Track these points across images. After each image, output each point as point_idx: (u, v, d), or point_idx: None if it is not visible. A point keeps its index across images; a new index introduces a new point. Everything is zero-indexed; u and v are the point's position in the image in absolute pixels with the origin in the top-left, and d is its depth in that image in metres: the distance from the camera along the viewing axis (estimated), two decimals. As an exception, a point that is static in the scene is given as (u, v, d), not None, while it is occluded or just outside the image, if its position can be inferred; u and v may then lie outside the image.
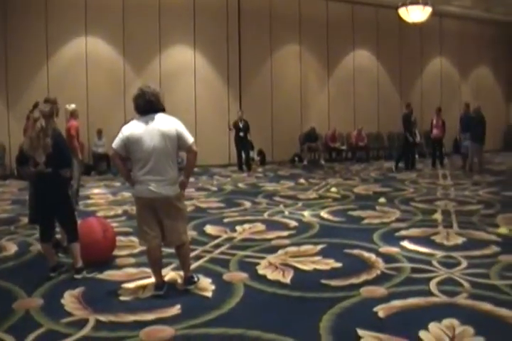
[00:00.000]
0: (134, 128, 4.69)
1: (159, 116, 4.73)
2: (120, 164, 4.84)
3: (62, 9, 14.07)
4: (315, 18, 17.72)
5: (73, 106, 8.57)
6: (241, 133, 14.68)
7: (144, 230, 4.81)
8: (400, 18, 15.49)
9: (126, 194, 10.69)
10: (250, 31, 16.54)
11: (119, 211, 8.83)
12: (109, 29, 14.71)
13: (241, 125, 14.69)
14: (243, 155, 14.95)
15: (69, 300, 4.69)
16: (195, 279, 5.00)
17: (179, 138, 4.71)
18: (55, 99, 7.08)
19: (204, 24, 15.89)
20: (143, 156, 4.64)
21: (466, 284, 4.97)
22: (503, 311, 4.28)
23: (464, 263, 5.63)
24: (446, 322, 4.08)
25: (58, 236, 6.19)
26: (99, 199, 10.21)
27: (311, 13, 17.63)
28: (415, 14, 15.04)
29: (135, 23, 14.90)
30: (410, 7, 14.98)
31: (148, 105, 4.71)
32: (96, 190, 11.36)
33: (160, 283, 4.87)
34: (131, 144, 4.66)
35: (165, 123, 4.70)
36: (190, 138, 4.76)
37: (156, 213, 4.76)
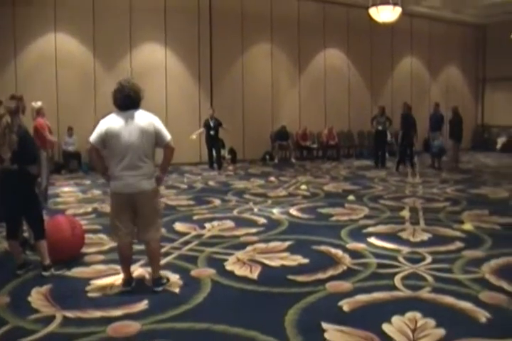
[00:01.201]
0: (113, 122, 4.69)
1: (138, 113, 4.74)
2: (97, 158, 4.83)
3: (31, 5, 13.90)
4: (286, 17, 17.78)
5: (39, 103, 8.47)
6: (211, 132, 14.65)
7: (116, 226, 4.81)
8: (371, 18, 15.62)
9: (96, 192, 10.66)
10: (221, 29, 16.54)
11: (89, 209, 8.79)
12: (78, 26, 14.55)
13: (212, 123, 14.66)
14: (214, 154, 14.95)
15: (36, 297, 4.68)
16: (164, 281, 4.97)
17: (157, 135, 4.74)
18: (21, 96, 7.02)
19: (175, 22, 15.84)
20: (120, 151, 4.64)
21: (429, 279, 5.09)
22: (464, 304, 4.40)
23: (429, 259, 5.74)
24: (409, 315, 4.18)
25: (26, 234, 6.15)
26: (69, 197, 10.14)
27: (283, 12, 17.68)
28: (385, 14, 15.16)
29: (105, 20, 14.76)
30: (380, 7, 15.09)
31: (127, 100, 4.71)
32: (66, 188, 11.27)
33: (128, 279, 4.89)
34: (108, 138, 4.66)
35: (144, 120, 4.71)
36: (167, 135, 4.80)
37: (131, 209, 4.76)
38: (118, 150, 4.65)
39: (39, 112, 8.42)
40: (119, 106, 4.75)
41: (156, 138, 4.74)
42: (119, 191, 4.74)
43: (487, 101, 23.00)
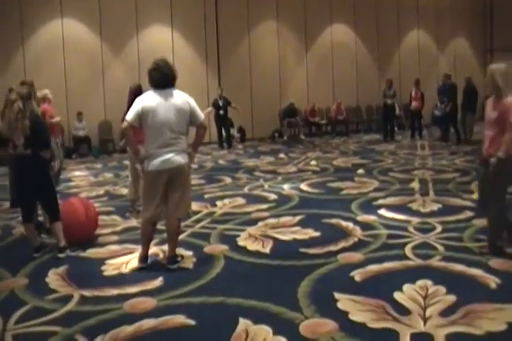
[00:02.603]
0: (149, 100, 4.78)
1: (175, 92, 4.86)
2: (132, 137, 4.87)
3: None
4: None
5: (44, 91, 8.43)
6: (221, 111, 14.67)
7: (149, 204, 4.89)
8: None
9: (108, 175, 10.75)
10: (227, 8, 16.43)
11: (101, 191, 8.87)
12: (85, 11, 14.51)
13: (220, 103, 14.67)
14: (223, 133, 14.99)
15: (53, 278, 4.78)
16: (179, 259, 5.04)
17: (192, 114, 4.85)
18: (32, 82, 7.09)
19: (181, 3, 15.74)
20: (156, 128, 4.73)
21: (440, 247, 5.15)
22: (474, 271, 4.47)
23: (439, 228, 5.80)
24: (420, 283, 4.25)
25: (40, 218, 6.26)
26: (81, 181, 10.23)
27: (288, -12, 17.56)
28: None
29: (111, 4, 14.70)
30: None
31: (164, 78, 4.83)
32: (77, 173, 11.37)
33: (145, 256, 4.99)
34: (145, 115, 4.73)
35: (180, 99, 4.83)
36: (201, 115, 4.96)
37: (165, 186, 4.81)
38: (155, 127, 4.74)
39: (45, 99, 8.40)
40: (156, 84, 4.84)
41: (191, 117, 4.85)
42: (156, 168, 4.79)
43: (496, 71, 22.75)
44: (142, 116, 4.74)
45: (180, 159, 4.79)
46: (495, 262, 4.65)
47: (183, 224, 6.29)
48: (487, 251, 4.93)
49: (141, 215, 5.20)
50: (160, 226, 5.34)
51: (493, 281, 4.21)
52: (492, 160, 4.79)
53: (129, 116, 4.78)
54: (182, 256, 5.13)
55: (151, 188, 4.88)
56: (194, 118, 4.87)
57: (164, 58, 4.97)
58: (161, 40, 15.68)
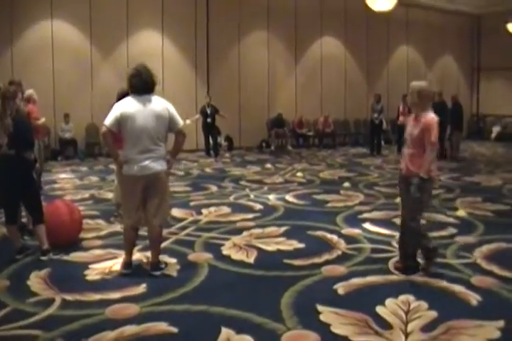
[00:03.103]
0: (128, 106, 4.78)
1: (154, 98, 4.86)
2: (111, 142, 4.87)
3: (27, -8, 13.86)
4: (283, 5, 17.72)
5: (30, 91, 8.33)
6: (208, 119, 14.68)
7: (128, 209, 4.91)
8: (367, 7, 15.61)
9: (93, 178, 10.70)
10: (218, 17, 16.49)
11: (86, 195, 8.83)
12: (75, 13, 14.47)
13: (208, 111, 14.68)
14: (211, 141, 14.99)
15: (35, 281, 4.75)
16: (163, 266, 5.04)
17: (171, 120, 4.86)
18: (20, 82, 7.05)
19: (172, 9, 15.79)
20: (135, 134, 4.73)
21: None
22: (457, 287, 4.50)
23: (423, 244, 5.82)
24: (402, 298, 4.28)
25: (24, 220, 6.21)
26: (66, 183, 10.18)
27: (280, 0, 17.66)
28: (381, 3, 15.13)
29: (102, 7, 14.69)
30: (377, -4, 15.10)
31: (143, 85, 4.81)
32: (62, 175, 11.31)
33: (129, 262, 4.97)
34: (124, 121, 4.74)
35: (159, 105, 4.83)
36: (180, 121, 4.95)
37: (143, 192, 4.82)
38: (132, 133, 4.74)
39: (29, 100, 8.29)
40: (136, 90, 4.83)
41: (170, 123, 4.86)
42: (133, 173, 4.79)
43: (482, 90, 23.04)
44: (121, 121, 4.74)
45: (157, 166, 4.79)
46: (477, 279, 4.69)
47: (167, 230, 6.33)
48: (401, 266, 4.95)
49: (123, 221, 5.18)
50: (144, 232, 5.32)
51: (474, 298, 4.25)
52: (413, 180, 4.75)
53: (108, 121, 4.78)
54: (166, 264, 5.12)
55: (129, 193, 4.89)
56: (173, 125, 4.88)
57: (144, 64, 4.93)
58: (151, 45, 15.69)
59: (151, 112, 4.75)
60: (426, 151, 4.69)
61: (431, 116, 4.75)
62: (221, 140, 16.09)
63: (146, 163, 4.75)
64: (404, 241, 5.01)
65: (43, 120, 8.26)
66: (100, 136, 5.45)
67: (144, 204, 4.89)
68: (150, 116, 4.74)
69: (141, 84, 4.80)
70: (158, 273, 4.91)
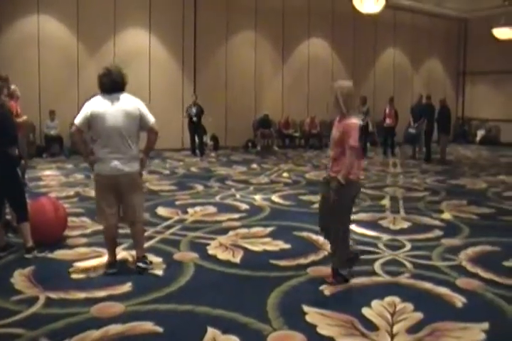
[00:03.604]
0: (98, 104, 4.74)
1: (123, 96, 4.81)
2: (80, 141, 4.85)
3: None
4: (271, 6, 17.74)
5: (12, 87, 8.23)
6: (194, 118, 14.65)
7: (102, 208, 4.87)
8: (355, 9, 15.66)
9: (79, 176, 10.64)
10: (206, 16, 16.47)
11: (71, 192, 8.78)
12: (62, 8, 14.37)
13: (194, 110, 14.65)
14: (196, 140, 14.96)
15: (19, 278, 4.70)
16: (148, 261, 5.04)
17: (141, 119, 4.80)
18: (7, 77, 6.97)
19: (160, 7, 15.74)
20: (105, 133, 4.69)
21: (408, 265, 5.20)
22: (442, 289, 4.51)
23: (408, 246, 5.85)
24: (388, 299, 4.28)
25: (8, 216, 6.15)
26: (51, 180, 10.11)
27: (268, 0, 17.66)
28: (369, 6, 15.18)
29: (89, 3, 14.62)
30: (365, -2, 15.15)
31: (113, 84, 4.77)
32: (48, 172, 11.23)
33: (113, 262, 4.95)
34: (93, 120, 4.70)
35: (129, 103, 4.78)
36: (151, 119, 4.87)
37: (116, 191, 4.81)
38: (103, 132, 4.70)
39: (12, 96, 8.16)
40: (105, 89, 4.79)
41: (140, 121, 4.81)
42: (103, 173, 4.78)
43: (467, 94, 23.23)
44: (91, 120, 4.71)
45: (127, 167, 4.76)
46: (462, 281, 4.72)
47: (152, 229, 6.32)
48: (332, 280, 4.69)
49: (99, 221, 5.15)
50: (128, 230, 5.29)
51: (459, 300, 4.27)
52: (332, 184, 4.57)
53: (78, 120, 4.75)
54: (151, 262, 5.09)
55: (102, 191, 4.86)
56: (144, 123, 4.83)
57: (116, 64, 4.95)
58: (138, 43, 15.66)
59: (121, 111, 4.71)
60: (345, 155, 4.50)
61: (352, 119, 4.57)
62: (207, 139, 16.06)
63: (116, 163, 4.72)
64: (332, 249, 4.80)
65: (24, 118, 8.10)
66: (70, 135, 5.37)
67: (118, 204, 4.88)
68: (120, 115, 4.70)
69: (111, 83, 4.76)
70: (143, 265, 4.93)
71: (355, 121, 4.58)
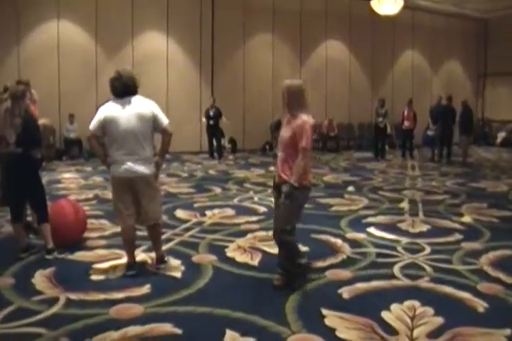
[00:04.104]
0: (111, 109, 4.77)
1: (136, 99, 4.83)
2: (97, 145, 4.89)
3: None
4: (288, 8, 17.76)
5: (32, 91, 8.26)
6: (211, 121, 14.69)
7: (119, 209, 4.89)
8: (373, 11, 15.62)
9: (98, 178, 10.71)
10: (224, 19, 16.52)
11: (91, 195, 8.84)
12: (81, 13, 14.53)
13: (211, 112, 14.69)
14: (214, 143, 14.99)
15: (40, 279, 4.75)
16: (166, 259, 5.13)
17: (154, 120, 4.82)
18: (28, 81, 7.05)
19: (177, 10, 15.83)
20: (120, 137, 4.72)
21: (428, 269, 5.15)
22: (463, 294, 4.46)
23: (428, 249, 5.80)
24: (408, 303, 4.24)
25: (29, 218, 6.21)
26: (70, 183, 10.19)
27: (285, 2, 17.67)
28: (387, 7, 15.17)
29: (108, 8, 14.75)
30: (382, 0, 15.11)
31: (125, 88, 4.79)
32: (67, 175, 11.32)
33: (132, 263, 4.97)
34: (107, 125, 4.73)
35: (141, 105, 4.80)
36: (165, 120, 4.88)
37: (132, 193, 4.84)
38: (117, 135, 4.74)
39: (30, 99, 8.22)
40: (117, 93, 4.83)
41: (154, 123, 4.83)
42: (119, 175, 4.81)
43: (487, 95, 23.04)
44: (105, 125, 4.75)
45: (142, 169, 4.78)
46: (483, 286, 4.66)
47: (171, 232, 6.35)
48: (281, 284, 4.57)
49: (117, 223, 5.20)
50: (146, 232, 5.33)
51: (480, 305, 4.22)
52: (284, 187, 4.35)
53: (92, 125, 4.80)
54: (168, 258, 5.20)
55: (118, 193, 4.90)
56: (157, 124, 4.85)
57: (125, 68, 4.96)
58: (155, 46, 15.75)
59: (134, 113, 4.73)
60: (298, 157, 4.28)
61: (304, 118, 4.34)
62: (225, 142, 16.09)
63: (132, 165, 4.75)
64: (281, 256, 4.65)
65: (42, 121, 8.16)
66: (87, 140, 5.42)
67: (135, 205, 4.90)
68: (133, 118, 4.72)
69: (122, 86, 4.78)
70: (162, 266, 5.02)
71: (307, 119, 4.36)
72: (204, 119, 14.80)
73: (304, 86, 4.51)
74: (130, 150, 4.75)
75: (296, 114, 4.37)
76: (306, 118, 4.34)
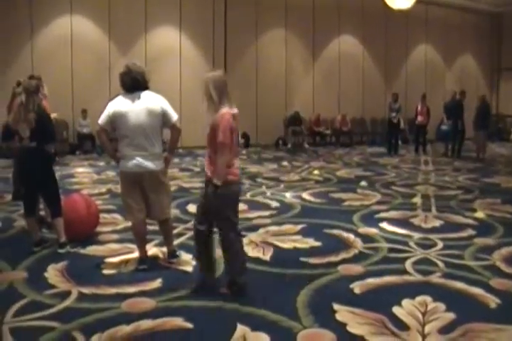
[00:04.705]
0: (120, 104, 4.77)
1: (145, 94, 4.83)
2: (105, 140, 4.90)
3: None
4: (301, 3, 17.71)
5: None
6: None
7: (129, 204, 4.90)
8: (386, 5, 15.52)
9: (111, 173, 10.75)
10: (236, 14, 16.50)
11: (103, 189, 8.88)
12: (94, 9, 14.59)
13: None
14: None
15: (52, 273, 4.78)
16: (178, 253, 5.15)
17: (164, 115, 4.82)
18: (40, 76, 7.11)
19: (190, 5, 15.84)
20: (129, 132, 4.73)
21: (440, 264, 5.12)
22: (475, 289, 4.43)
23: (440, 245, 5.77)
24: (420, 299, 4.22)
25: (42, 212, 6.25)
26: (84, 178, 10.24)
27: (298, -3, 17.64)
28: (401, 1, 15.07)
29: (121, 3, 14.80)
30: (396, -6, 15.02)
31: (134, 83, 4.80)
32: (80, 169, 11.39)
33: (144, 258, 4.98)
34: (117, 120, 4.74)
35: (151, 101, 4.80)
36: (174, 116, 4.88)
37: (142, 188, 4.85)
38: (127, 130, 4.74)
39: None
40: (127, 88, 4.83)
41: (163, 118, 4.83)
42: (128, 170, 4.82)
43: (502, 90, 22.85)
44: (114, 120, 4.75)
45: (151, 165, 4.79)
46: (496, 282, 4.63)
47: (183, 226, 6.36)
48: (227, 291, 4.29)
49: (128, 218, 5.21)
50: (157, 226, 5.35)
51: (493, 301, 4.19)
52: (209, 186, 4.16)
53: (101, 120, 4.80)
54: (180, 253, 5.23)
55: (127, 188, 4.90)
56: (167, 119, 4.85)
57: (134, 63, 4.94)
58: (168, 41, 15.77)
59: (144, 108, 4.73)
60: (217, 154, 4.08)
61: (222, 112, 4.09)
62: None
63: (141, 160, 4.75)
64: (225, 258, 4.39)
65: (54, 115, 8.24)
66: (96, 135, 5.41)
67: (145, 200, 4.91)
68: (143, 113, 4.72)
69: (132, 81, 4.78)
70: (174, 260, 5.05)
71: (225, 112, 4.10)
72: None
73: (224, 77, 4.32)
74: (139, 146, 4.75)
75: (218, 108, 4.14)
76: (224, 112, 4.10)
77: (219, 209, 4.20)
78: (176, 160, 12.82)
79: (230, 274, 4.37)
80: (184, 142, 14.79)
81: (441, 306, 4.08)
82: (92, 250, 5.49)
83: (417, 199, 8.38)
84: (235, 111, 4.21)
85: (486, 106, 14.34)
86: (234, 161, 4.21)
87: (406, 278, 4.75)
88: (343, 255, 5.38)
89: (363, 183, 9.84)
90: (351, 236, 6.07)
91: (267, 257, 5.31)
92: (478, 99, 14.51)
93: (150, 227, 5.40)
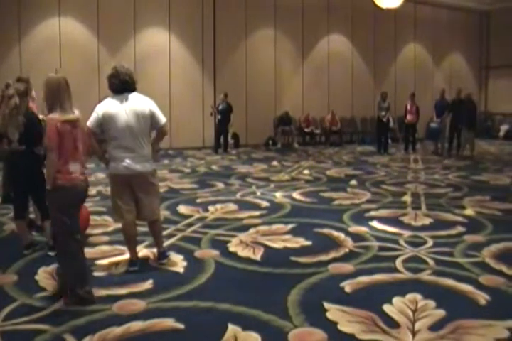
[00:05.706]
0: (109, 106, 4.77)
1: (133, 96, 4.83)
2: (95, 143, 4.89)
3: (36, -12, 13.88)
4: (290, 2, 17.71)
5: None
6: (218, 116, 14.78)
7: (118, 205, 4.90)
8: (375, 4, 15.56)
9: (100, 175, 10.71)
10: (225, 14, 16.48)
11: (93, 191, 8.84)
12: (83, 10, 14.51)
13: (220, 107, 14.88)
14: (221, 138, 15.08)
15: (43, 276, 4.76)
16: (168, 254, 5.15)
17: (152, 118, 4.83)
18: (28, 79, 7.06)
19: (179, 6, 15.80)
20: (118, 134, 4.73)
21: (430, 262, 5.15)
22: (464, 286, 4.47)
23: (430, 243, 5.80)
24: (410, 296, 4.25)
25: (32, 215, 6.22)
26: (73, 179, 10.19)
27: (287, -4, 17.66)
28: (389, 0, 15.11)
29: (109, 4, 14.74)
30: (384, -7, 15.06)
31: (122, 85, 4.80)
32: (69, 171, 11.32)
33: (134, 259, 4.98)
34: (105, 122, 4.73)
35: (139, 103, 4.80)
36: (162, 119, 4.91)
37: (131, 189, 4.85)
38: (115, 132, 4.74)
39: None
40: (115, 90, 4.84)
41: (151, 120, 4.84)
42: (117, 172, 4.82)
43: (490, 88, 22.96)
44: (103, 122, 4.75)
45: (141, 167, 4.80)
46: (485, 278, 4.66)
47: (173, 227, 6.37)
48: (66, 300, 4.12)
49: (117, 220, 5.22)
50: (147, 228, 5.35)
51: (482, 297, 4.22)
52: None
53: (90, 122, 4.79)
54: (169, 254, 5.22)
55: (117, 190, 4.91)
56: (155, 122, 4.87)
57: (123, 64, 4.96)
58: (157, 42, 15.73)
59: (132, 111, 4.74)
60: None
61: (48, 117, 4.14)
62: (228, 137, 16.11)
63: (129, 162, 4.75)
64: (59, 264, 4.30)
65: (41, 117, 8.18)
66: None
67: (134, 201, 4.91)
68: (131, 115, 4.73)
69: (120, 83, 4.79)
70: (164, 261, 5.05)
71: (51, 116, 4.12)
72: (212, 112, 14.93)
73: (63, 80, 4.38)
74: (128, 147, 4.76)
75: (49, 112, 4.16)
76: (50, 117, 4.12)
77: (52, 218, 4.28)
78: (166, 161, 12.81)
79: (67, 284, 4.16)
80: (174, 143, 14.80)
81: (432, 303, 4.11)
82: (82, 252, 5.47)
83: (407, 198, 8.42)
84: (71, 116, 4.21)
85: (472, 104, 14.35)
86: (68, 166, 4.14)
87: (396, 276, 4.78)
88: (333, 254, 5.40)
89: (353, 182, 9.87)
90: (341, 235, 6.10)
91: (258, 257, 5.32)
92: (465, 98, 14.48)
93: (141, 229, 5.41)
